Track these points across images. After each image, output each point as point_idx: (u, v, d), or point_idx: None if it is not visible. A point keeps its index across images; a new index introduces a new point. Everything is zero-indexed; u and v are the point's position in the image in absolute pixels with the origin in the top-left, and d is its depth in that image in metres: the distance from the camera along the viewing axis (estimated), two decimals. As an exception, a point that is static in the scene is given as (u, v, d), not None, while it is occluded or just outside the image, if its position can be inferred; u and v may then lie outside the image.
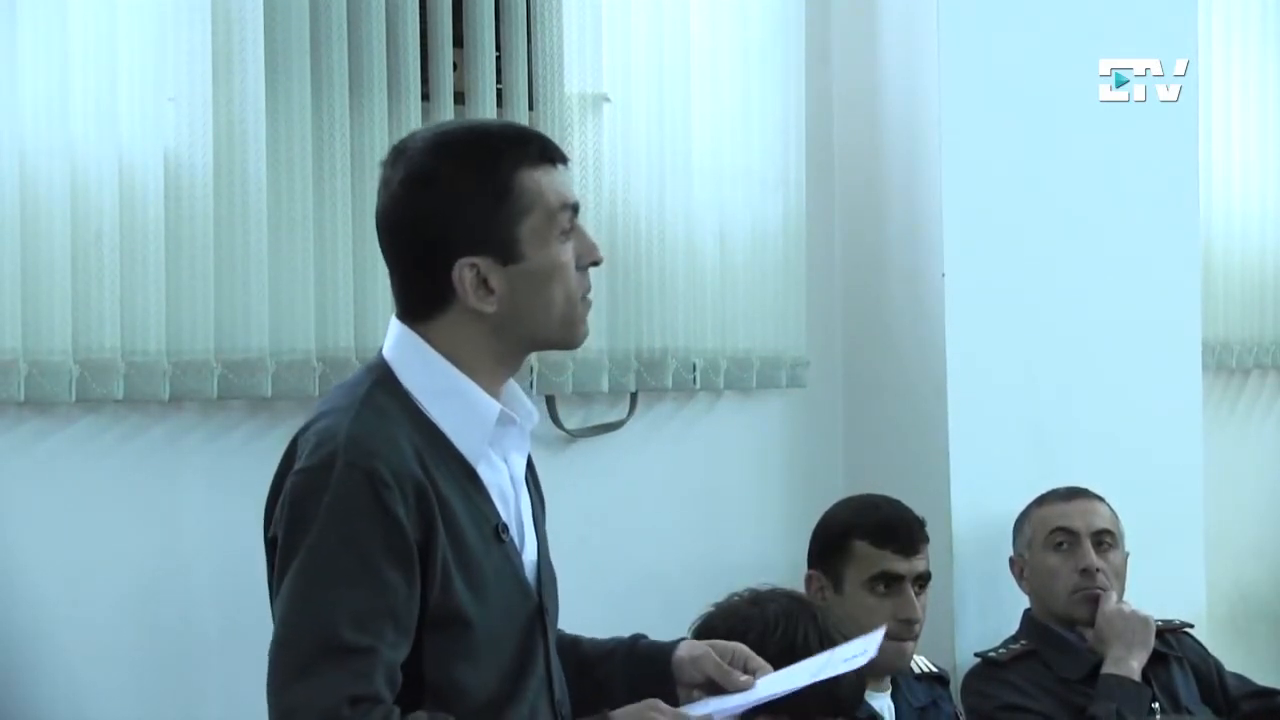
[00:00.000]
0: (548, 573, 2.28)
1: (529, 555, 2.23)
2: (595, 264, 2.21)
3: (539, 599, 2.22)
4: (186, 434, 3.07)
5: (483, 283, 2.13)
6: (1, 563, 2.87)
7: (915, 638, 3.33)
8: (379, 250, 3.12)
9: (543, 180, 2.15)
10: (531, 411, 2.25)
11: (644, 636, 2.40)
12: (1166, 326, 4.15)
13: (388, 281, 3.18)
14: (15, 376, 2.82)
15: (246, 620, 3.12)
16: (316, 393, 3.12)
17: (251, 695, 3.09)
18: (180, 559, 3.06)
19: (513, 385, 2.25)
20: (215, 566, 3.09)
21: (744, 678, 2.27)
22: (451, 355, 2.16)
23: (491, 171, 2.13)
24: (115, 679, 2.98)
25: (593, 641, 2.41)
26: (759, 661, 2.32)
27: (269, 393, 3.08)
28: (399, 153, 2.19)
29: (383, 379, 2.17)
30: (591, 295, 2.23)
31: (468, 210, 2.13)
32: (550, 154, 2.18)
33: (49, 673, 2.91)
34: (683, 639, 2.39)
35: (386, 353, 2.20)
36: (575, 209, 2.19)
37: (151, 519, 3.04)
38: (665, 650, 2.34)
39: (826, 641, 2.65)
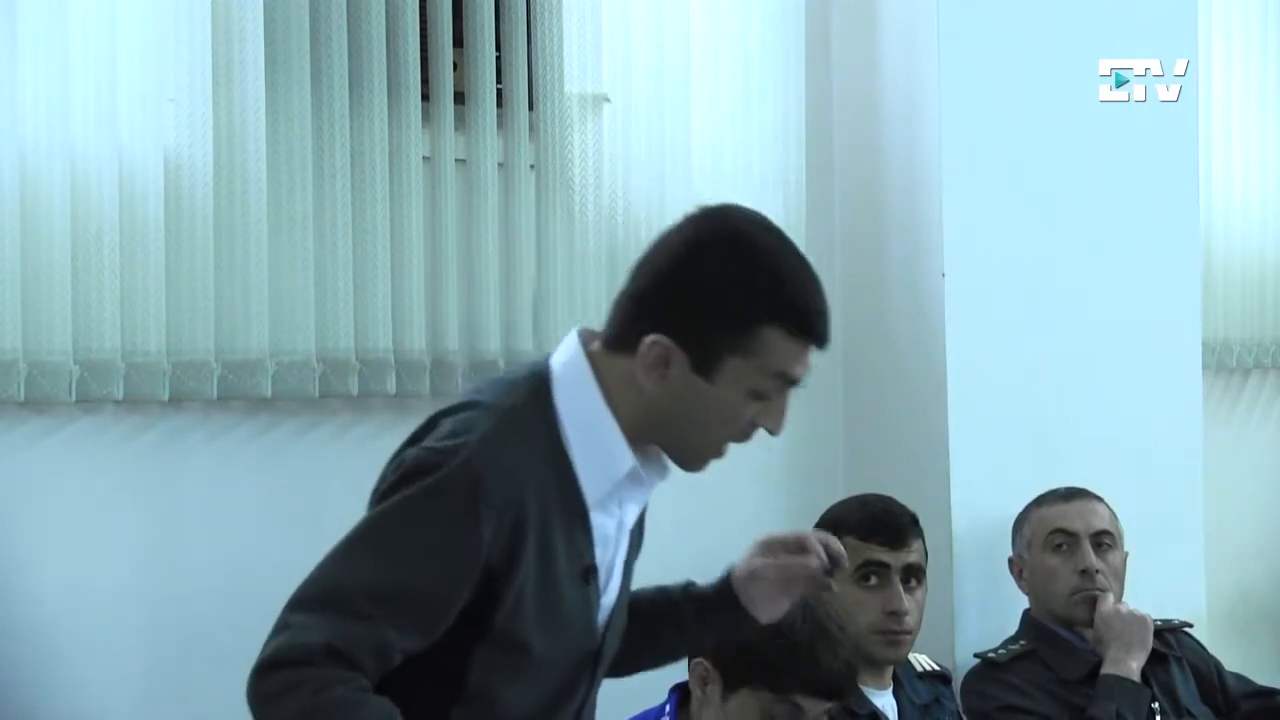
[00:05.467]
0: (619, 619, 2.29)
1: (608, 600, 2.24)
2: (770, 433, 2.21)
3: (601, 642, 2.24)
4: (186, 434, 3.08)
5: (664, 365, 2.12)
6: (1, 562, 2.87)
7: (907, 630, 3.33)
8: (378, 250, 3.20)
9: (783, 347, 2.13)
10: (665, 470, 2.25)
11: (691, 584, 2.42)
12: (1166, 326, 4.15)
13: (388, 281, 3.22)
14: (15, 376, 2.82)
15: (247, 620, 3.11)
16: (316, 393, 3.13)
17: (251, 695, 3.10)
18: (180, 558, 3.07)
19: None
20: (215, 566, 3.10)
21: (811, 560, 2.31)
22: (609, 394, 2.16)
23: (753, 304, 2.11)
24: (115, 678, 2.99)
25: (645, 596, 2.41)
26: (803, 536, 2.35)
27: (269, 393, 3.08)
28: (717, 213, 2.18)
29: (540, 392, 2.16)
30: (727, 450, 2.22)
31: (704, 312, 2.11)
32: (814, 334, 2.15)
33: (49, 672, 2.91)
34: (729, 572, 2.40)
35: (554, 365, 2.18)
36: (791, 383, 2.16)
37: (151, 519, 3.04)
38: (725, 586, 2.38)
39: (810, 623, 2.67)
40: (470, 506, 2.04)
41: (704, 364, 2.11)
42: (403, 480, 2.08)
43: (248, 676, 2.00)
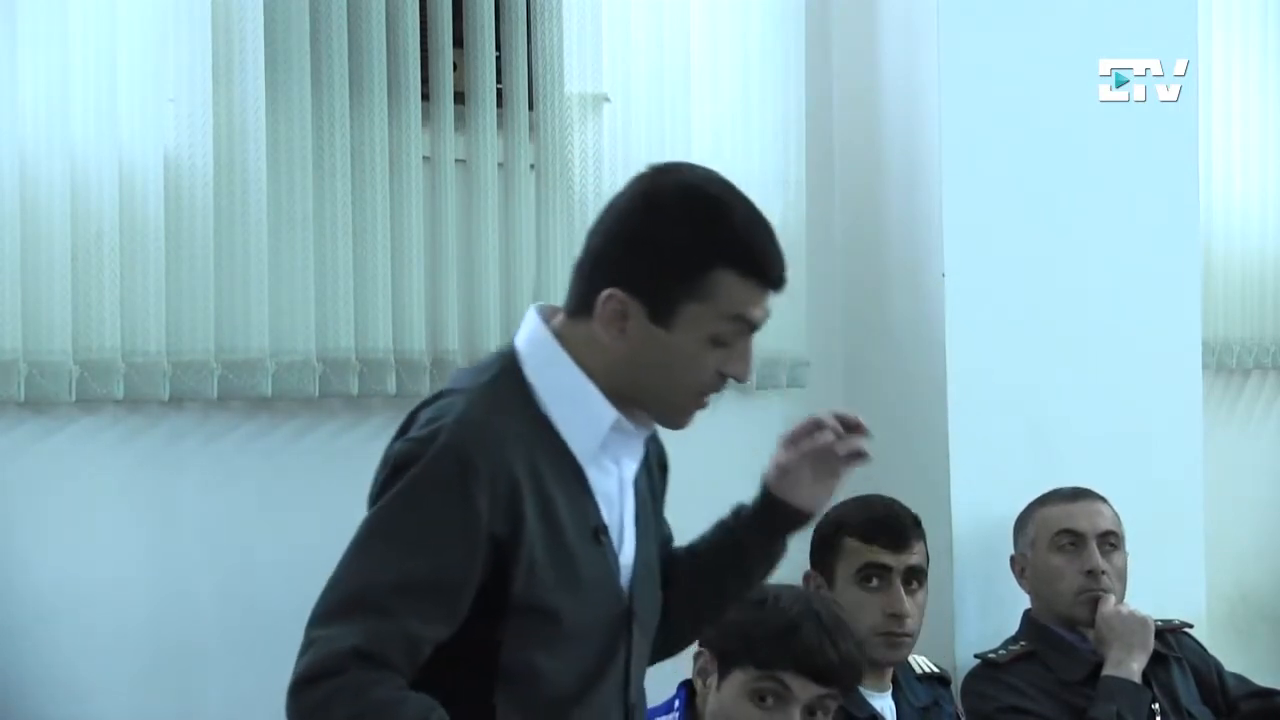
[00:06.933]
0: (645, 576, 2.29)
1: (626, 558, 2.25)
2: (738, 379, 2.21)
3: (629, 602, 2.24)
4: (186, 434, 3.07)
5: (621, 318, 2.14)
6: (1, 562, 2.87)
7: (908, 633, 3.33)
8: (378, 250, 3.19)
9: (737, 289, 2.14)
10: (652, 422, 2.26)
11: (741, 507, 2.42)
12: (1166, 326, 4.15)
13: (388, 281, 3.22)
14: (15, 376, 2.82)
15: (246, 620, 3.13)
16: (317, 393, 3.12)
17: (251, 694, 3.10)
18: (180, 559, 3.06)
19: None
20: (215, 566, 3.10)
21: (827, 435, 2.31)
22: (578, 359, 2.18)
23: (703, 248, 2.13)
24: (115, 678, 2.98)
25: (704, 538, 2.44)
26: (814, 418, 2.34)
27: (269, 393, 3.08)
28: (665, 169, 2.21)
29: (508, 369, 2.19)
30: (710, 400, 2.23)
31: (657, 259, 2.13)
32: (766, 275, 2.16)
33: (49, 672, 2.91)
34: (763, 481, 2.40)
35: (518, 343, 2.22)
36: (750, 326, 2.17)
37: (151, 519, 3.04)
38: (763, 496, 2.38)
39: (801, 604, 2.69)
40: (461, 484, 2.07)
41: (660, 313, 2.13)
42: (392, 475, 2.12)
43: (285, 699, 2.02)
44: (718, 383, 2.20)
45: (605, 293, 2.13)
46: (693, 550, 2.44)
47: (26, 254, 2.84)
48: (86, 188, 2.91)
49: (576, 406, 2.18)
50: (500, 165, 3.38)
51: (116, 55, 2.95)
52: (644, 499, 2.32)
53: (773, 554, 2.43)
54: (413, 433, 2.14)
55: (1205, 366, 4.36)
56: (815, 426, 2.33)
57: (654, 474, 2.38)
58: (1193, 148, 4.23)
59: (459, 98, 3.32)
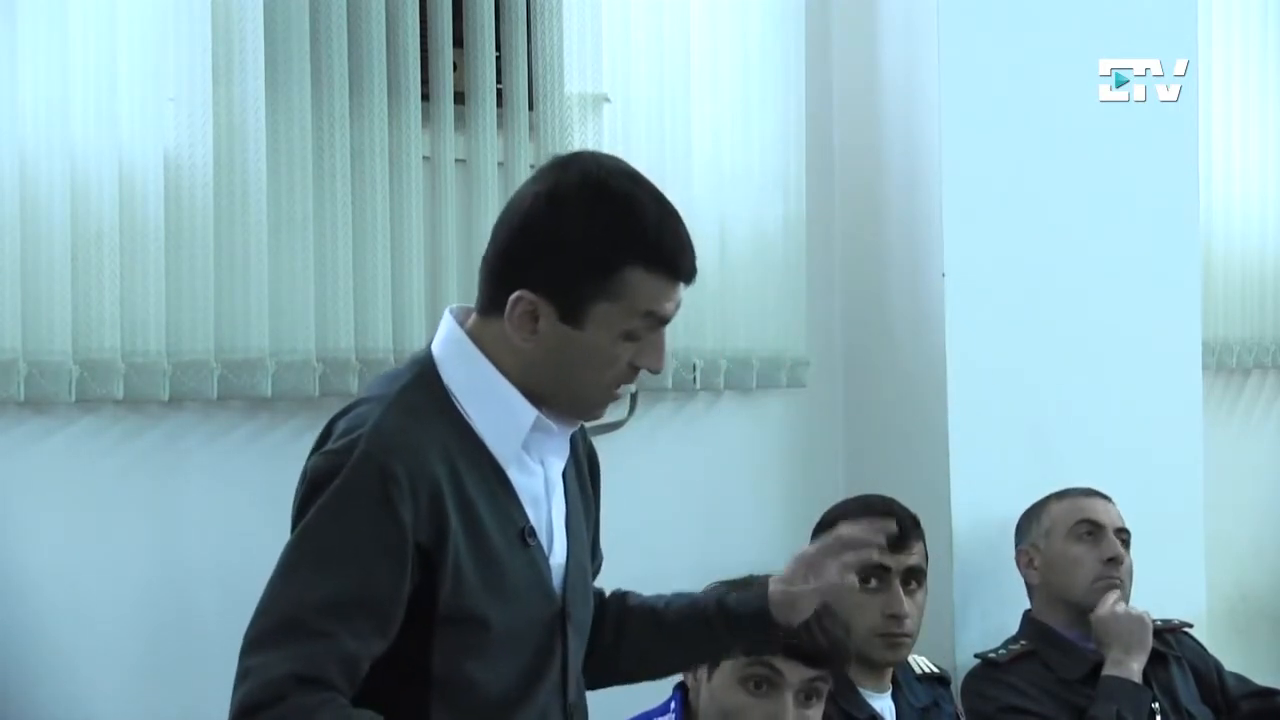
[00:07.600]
0: (578, 577, 2.27)
1: (557, 559, 2.23)
2: (651, 371, 2.20)
3: (563, 603, 2.22)
4: (186, 434, 3.07)
5: (532, 319, 2.13)
6: (1, 563, 2.87)
7: (908, 633, 3.33)
8: (378, 250, 3.20)
9: (648, 286, 2.12)
10: (574, 419, 2.25)
11: (727, 606, 2.37)
12: (1166, 326, 4.16)
13: (388, 281, 3.22)
14: (15, 376, 2.82)
15: (247, 620, 3.12)
16: (317, 393, 3.12)
17: (251, 695, 3.10)
18: (180, 559, 3.06)
19: None
20: (215, 566, 3.09)
21: (850, 579, 2.29)
22: (494, 359, 2.17)
23: (612, 247, 2.11)
24: (116, 679, 2.98)
25: (675, 608, 2.40)
26: (858, 536, 2.33)
27: (269, 393, 3.08)
28: (569, 163, 2.19)
29: (425, 373, 2.17)
30: (624, 390, 2.22)
31: (565, 259, 2.11)
32: (676, 269, 2.14)
33: (49, 673, 2.91)
34: (763, 588, 2.34)
35: (434, 348, 2.20)
36: (661, 321, 2.16)
37: (151, 519, 3.04)
38: (760, 614, 2.32)
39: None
40: (383, 495, 2.04)
41: (571, 313, 2.12)
42: (312, 491, 2.09)
43: None
44: (630, 375, 2.19)
45: (515, 295, 2.12)
46: (657, 617, 2.39)
47: (26, 254, 2.84)
48: (86, 188, 2.91)
49: (496, 407, 2.16)
50: (500, 165, 3.38)
51: (116, 55, 2.95)
52: (574, 498, 2.30)
53: (734, 653, 2.48)
54: (329, 445, 2.11)
55: (1205, 366, 4.37)
56: (840, 548, 2.29)
57: (584, 473, 2.36)
58: (1193, 148, 4.24)
59: (459, 98, 3.32)
